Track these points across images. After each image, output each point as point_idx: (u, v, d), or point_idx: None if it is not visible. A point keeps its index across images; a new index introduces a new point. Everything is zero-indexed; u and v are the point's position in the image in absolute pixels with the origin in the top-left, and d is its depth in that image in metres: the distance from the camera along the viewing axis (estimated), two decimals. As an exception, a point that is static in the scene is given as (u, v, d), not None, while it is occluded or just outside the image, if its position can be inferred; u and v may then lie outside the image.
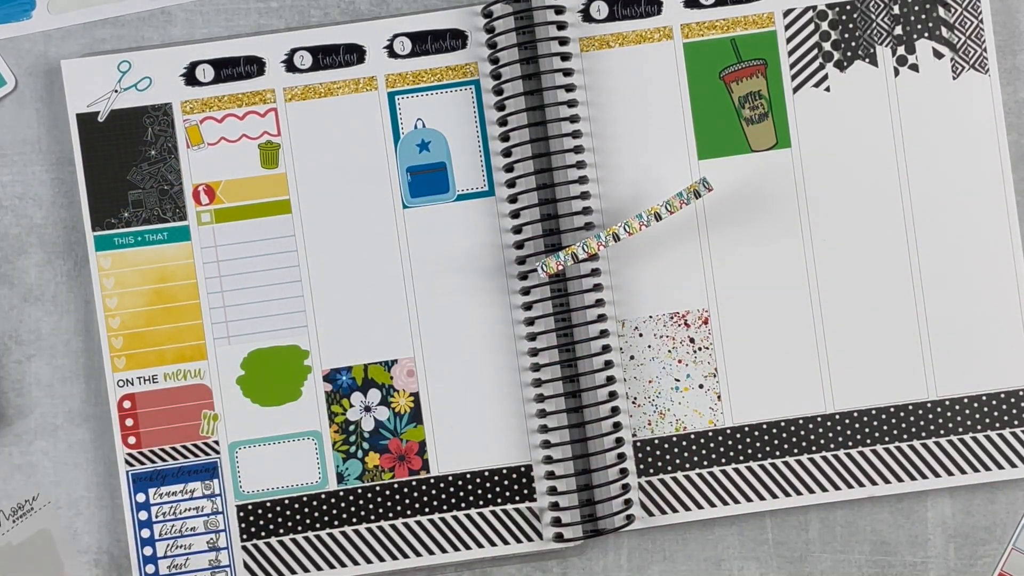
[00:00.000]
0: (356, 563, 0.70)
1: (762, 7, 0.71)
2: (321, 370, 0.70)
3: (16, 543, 0.71)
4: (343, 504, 0.70)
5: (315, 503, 0.70)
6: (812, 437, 0.70)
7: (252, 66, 0.71)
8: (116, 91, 0.70)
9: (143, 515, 0.70)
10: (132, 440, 0.70)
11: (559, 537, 0.69)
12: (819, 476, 0.70)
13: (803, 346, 0.70)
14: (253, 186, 0.71)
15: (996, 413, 0.70)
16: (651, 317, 0.71)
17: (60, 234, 0.72)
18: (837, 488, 0.70)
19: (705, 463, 0.71)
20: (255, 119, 0.71)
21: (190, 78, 0.71)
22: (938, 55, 0.71)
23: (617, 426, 0.70)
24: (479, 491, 0.70)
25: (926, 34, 0.71)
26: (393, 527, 0.71)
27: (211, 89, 0.71)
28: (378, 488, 0.70)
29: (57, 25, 0.72)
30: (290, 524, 0.70)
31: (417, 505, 0.70)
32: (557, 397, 0.69)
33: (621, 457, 0.70)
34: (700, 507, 0.70)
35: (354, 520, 0.70)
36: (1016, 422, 0.70)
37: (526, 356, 0.70)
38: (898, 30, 0.71)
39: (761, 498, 0.70)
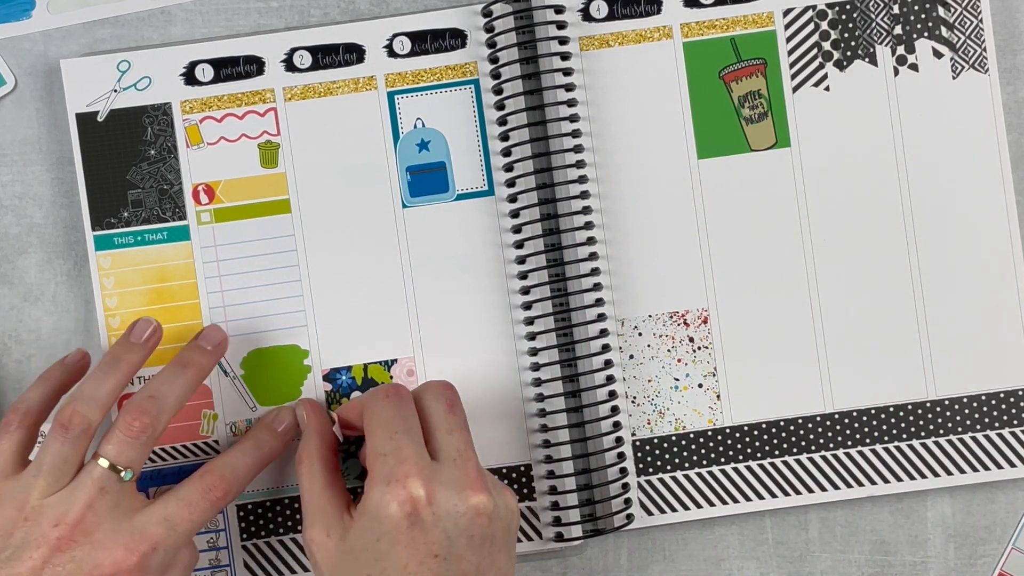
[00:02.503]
0: (356, 563, 0.70)
1: (762, 6, 0.71)
2: (321, 370, 0.71)
3: None
4: (343, 504, 0.70)
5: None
6: (812, 437, 0.70)
7: (252, 66, 0.71)
8: (116, 91, 0.70)
9: (143, 515, 0.70)
10: (132, 440, 0.70)
11: (559, 537, 0.69)
12: (819, 476, 0.70)
13: (803, 346, 0.70)
14: (253, 186, 0.71)
15: (996, 413, 0.70)
16: (650, 316, 0.71)
17: (60, 234, 0.72)
18: (837, 488, 0.70)
19: (705, 463, 0.71)
20: (255, 119, 0.71)
21: (190, 78, 0.71)
22: (938, 55, 0.71)
23: (617, 425, 0.70)
24: (479, 491, 0.70)
25: (926, 34, 0.71)
26: (393, 527, 0.70)
27: (211, 89, 0.71)
28: (378, 488, 0.70)
29: (57, 25, 0.72)
30: (290, 524, 0.70)
31: (417, 505, 0.70)
32: (557, 397, 0.69)
33: (621, 457, 0.70)
34: (700, 507, 0.70)
35: (354, 520, 0.70)
36: (1016, 422, 0.70)
37: (526, 356, 0.70)
38: (898, 30, 0.71)
39: (761, 498, 0.70)
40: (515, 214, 0.70)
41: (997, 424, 0.70)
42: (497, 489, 0.62)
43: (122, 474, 0.62)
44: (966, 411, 0.70)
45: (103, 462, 0.62)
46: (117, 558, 0.60)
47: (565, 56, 0.70)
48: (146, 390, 0.64)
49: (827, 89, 0.71)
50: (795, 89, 0.71)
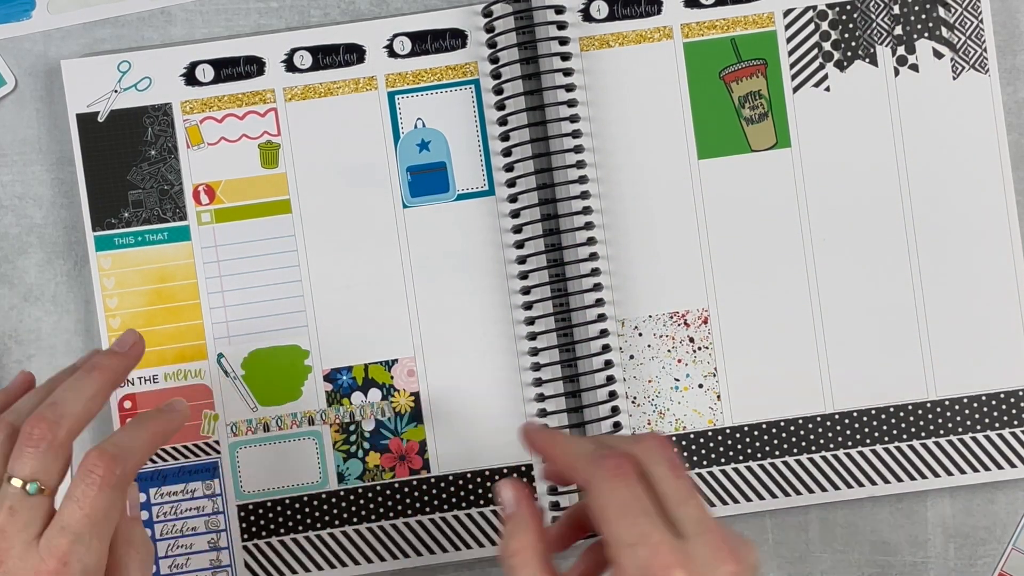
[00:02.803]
0: (356, 563, 0.71)
1: (762, 7, 0.71)
2: (321, 370, 0.71)
3: None
4: (344, 504, 0.70)
5: (316, 503, 0.70)
6: (812, 437, 0.70)
7: (252, 66, 0.71)
8: (116, 91, 0.70)
9: (144, 515, 0.70)
10: (132, 440, 0.70)
11: (559, 537, 0.69)
12: (819, 476, 0.70)
13: (803, 346, 0.70)
14: (253, 186, 0.71)
15: (996, 413, 0.70)
16: (651, 316, 0.71)
17: (60, 234, 0.72)
18: (837, 488, 0.70)
19: (705, 463, 0.71)
20: (255, 119, 0.71)
21: (190, 78, 0.71)
22: (938, 55, 0.71)
23: (617, 426, 0.70)
24: (479, 491, 0.70)
25: (926, 34, 0.71)
26: (393, 527, 0.71)
27: (211, 89, 0.71)
28: (378, 488, 0.70)
29: (57, 25, 0.72)
30: (291, 524, 0.70)
31: (417, 505, 0.70)
32: (557, 397, 0.69)
33: (621, 457, 0.70)
34: (700, 507, 0.70)
35: (355, 520, 0.71)
36: (1016, 422, 0.70)
37: (526, 356, 0.70)
38: (898, 30, 0.71)
39: (761, 498, 0.71)
40: (515, 214, 0.70)
41: (997, 424, 0.70)
42: (743, 548, 0.55)
43: (28, 487, 0.56)
44: (966, 411, 0.70)
45: (13, 481, 0.56)
46: None
47: (565, 56, 0.70)
48: (49, 398, 0.59)
49: (827, 89, 0.71)
50: (795, 89, 0.71)
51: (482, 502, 0.70)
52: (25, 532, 0.56)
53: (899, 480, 0.70)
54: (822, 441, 0.70)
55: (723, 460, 0.71)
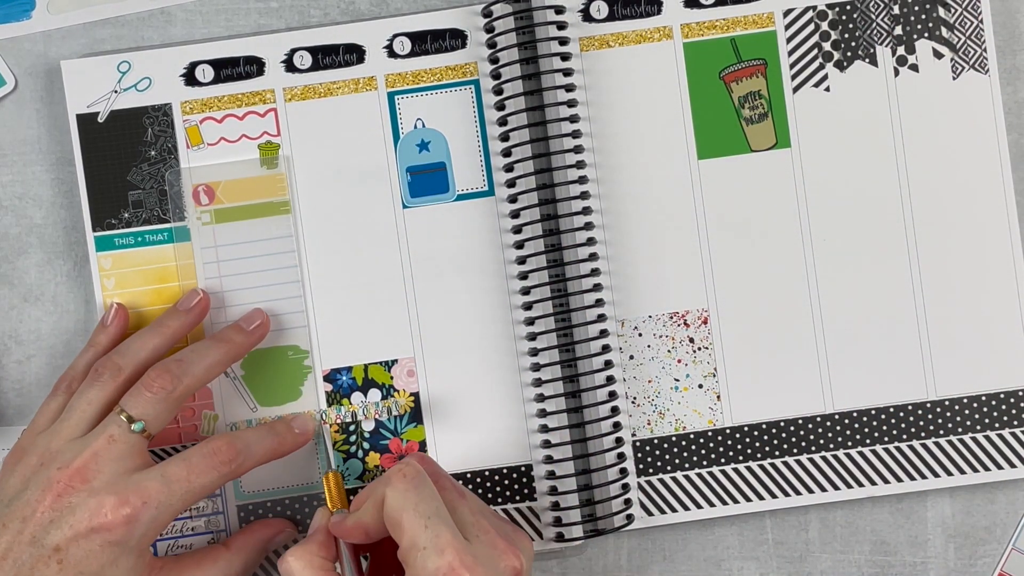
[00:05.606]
0: (356, 563, 0.71)
1: (762, 7, 0.71)
2: (321, 370, 0.71)
3: None
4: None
5: (315, 503, 0.70)
6: (812, 437, 0.70)
7: (252, 66, 0.71)
8: (116, 91, 0.70)
9: (143, 515, 0.70)
10: (132, 440, 0.70)
11: (559, 537, 0.69)
12: (819, 476, 0.70)
13: (803, 346, 0.70)
14: (253, 186, 0.71)
15: (996, 413, 0.70)
16: (651, 317, 0.71)
17: (60, 234, 0.72)
18: (837, 488, 0.70)
19: (705, 463, 0.71)
20: (255, 119, 0.71)
21: (190, 78, 0.71)
22: (938, 55, 0.71)
23: (617, 426, 0.70)
24: (479, 491, 0.70)
25: (926, 34, 0.71)
26: (393, 527, 0.71)
27: (211, 89, 0.71)
28: (378, 488, 0.70)
29: (57, 25, 0.72)
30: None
31: (417, 505, 0.70)
32: (557, 397, 0.69)
33: (621, 457, 0.70)
34: (700, 507, 0.70)
35: (354, 520, 0.70)
36: (1016, 422, 0.70)
37: (526, 356, 0.70)
38: (898, 30, 0.71)
39: (761, 498, 0.71)
40: (515, 214, 0.70)
41: (997, 424, 0.70)
42: (517, 540, 0.61)
43: (133, 426, 0.62)
44: (966, 411, 0.70)
45: (119, 413, 0.62)
46: (107, 508, 0.60)
47: (565, 56, 0.70)
48: (176, 354, 0.65)
49: (827, 90, 0.71)
50: (795, 89, 0.71)
51: (482, 502, 0.70)
52: (118, 464, 0.61)
53: (899, 480, 0.70)
54: (822, 441, 0.70)
55: (723, 460, 0.71)
